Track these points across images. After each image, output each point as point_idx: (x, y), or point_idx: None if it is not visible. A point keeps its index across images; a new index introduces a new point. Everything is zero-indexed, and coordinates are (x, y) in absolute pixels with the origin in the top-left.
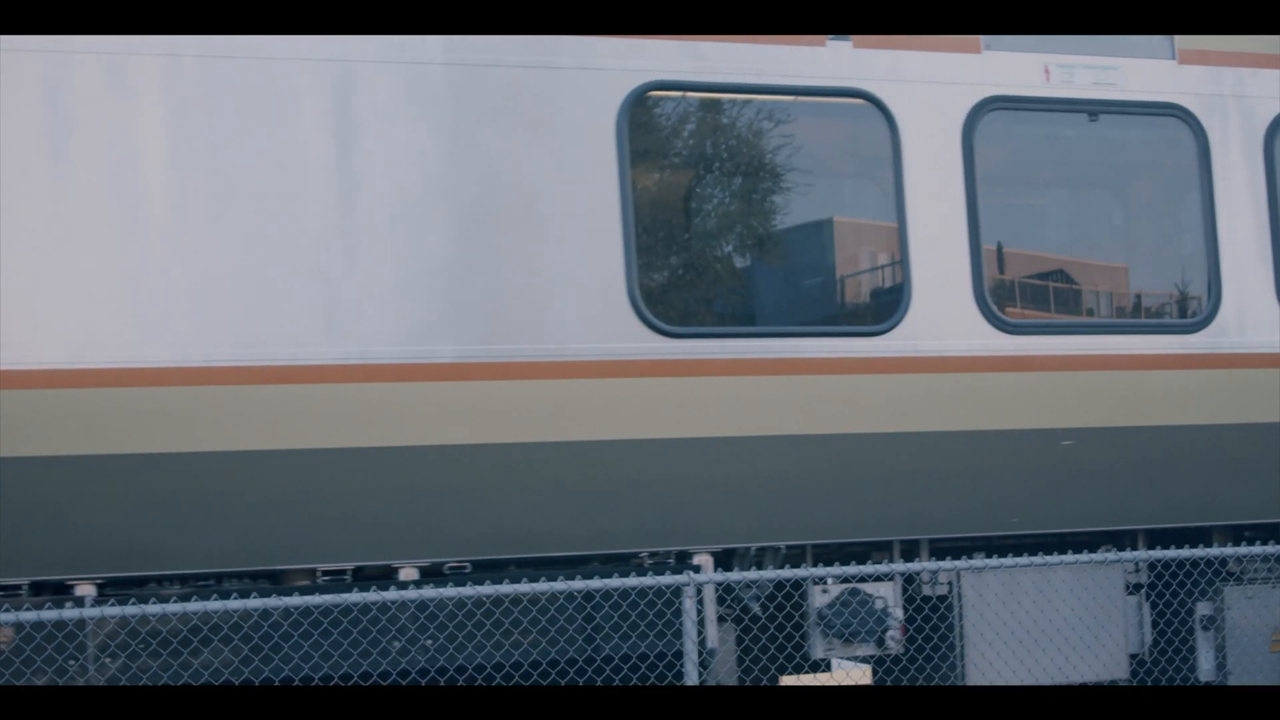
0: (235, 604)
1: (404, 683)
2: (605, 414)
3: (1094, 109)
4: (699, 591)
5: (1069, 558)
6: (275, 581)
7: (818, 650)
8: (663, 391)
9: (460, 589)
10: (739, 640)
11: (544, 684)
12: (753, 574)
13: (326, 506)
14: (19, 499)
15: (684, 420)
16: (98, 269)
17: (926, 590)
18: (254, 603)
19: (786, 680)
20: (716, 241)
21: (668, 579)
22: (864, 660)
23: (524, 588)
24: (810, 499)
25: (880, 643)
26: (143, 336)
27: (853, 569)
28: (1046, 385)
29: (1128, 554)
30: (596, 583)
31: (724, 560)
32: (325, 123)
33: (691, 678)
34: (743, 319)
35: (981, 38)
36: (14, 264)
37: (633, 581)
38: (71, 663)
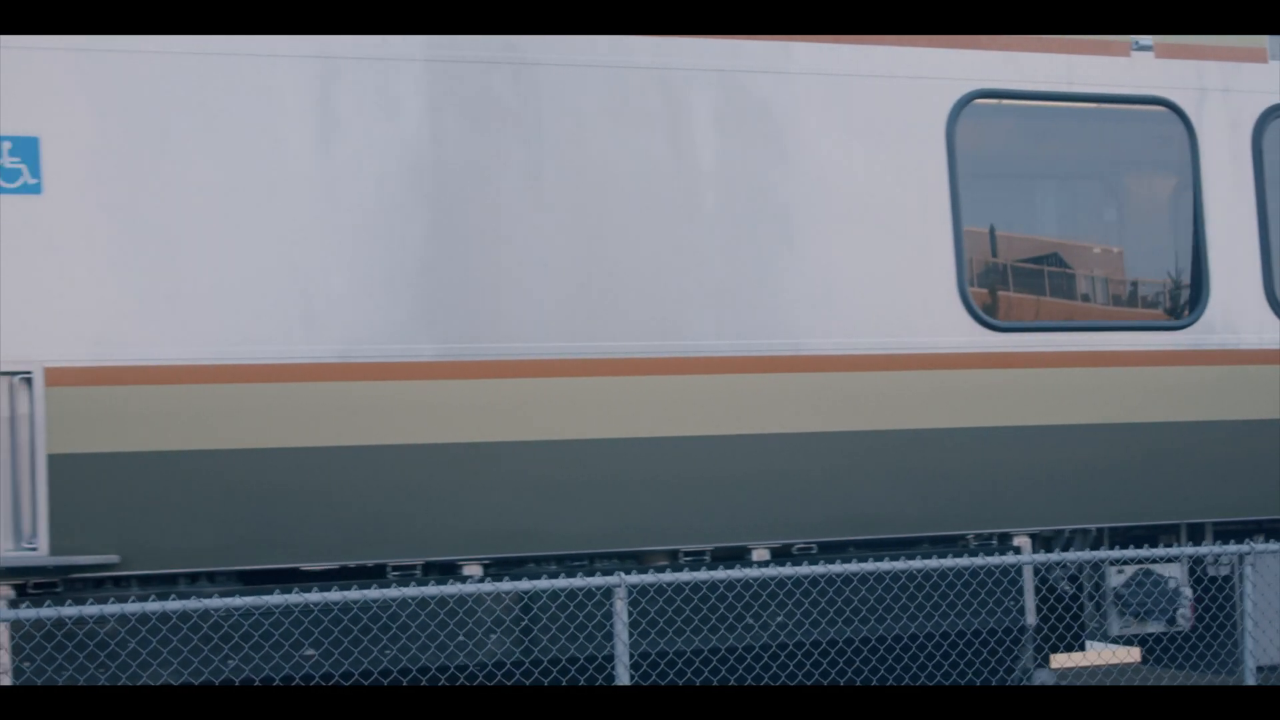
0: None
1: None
2: (935, 404)
3: None
4: (1025, 572)
5: None
6: (639, 562)
7: (1113, 628)
8: (988, 382)
9: (379, 591)
10: (1045, 619)
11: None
12: (668, 576)
13: (688, 491)
14: (421, 482)
15: (1006, 410)
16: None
17: (1210, 571)
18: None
19: (1056, 661)
20: (1036, 240)
21: (598, 580)
22: (1132, 640)
23: (451, 589)
24: (1112, 484)
25: (1171, 621)
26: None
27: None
28: None
29: None
30: (526, 584)
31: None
32: (664, 131)
33: (622, 680)
34: (1060, 314)
35: (1268, 47)
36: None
37: (563, 583)
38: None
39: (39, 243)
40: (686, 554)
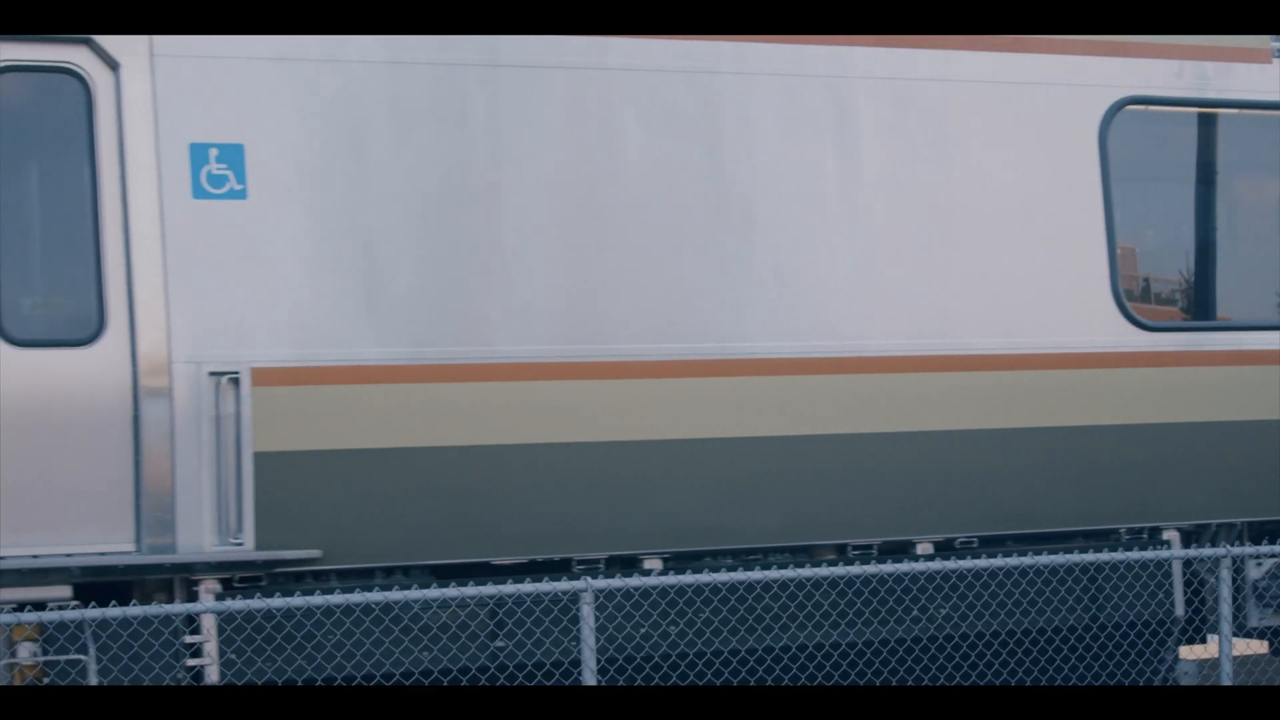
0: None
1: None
2: (1090, 402)
3: None
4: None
5: None
6: (810, 555)
7: (1252, 619)
8: (1139, 381)
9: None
10: (1195, 610)
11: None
12: (635, 581)
13: (856, 487)
14: (604, 479)
15: (1157, 407)
16: None
17: None
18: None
19: (1185, 653)
20: (1185, 243)
21: (564, 585)
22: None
23: (414, 594)
24: (1256, 479)
25: None
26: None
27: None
28: None
29: None
30: (490, 589)
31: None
32: (834, 137)
33: (588, 684)
34: (1207, 314)
35: None
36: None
37: (528, 588)
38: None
39: (245, 247)
40: (855, 548)
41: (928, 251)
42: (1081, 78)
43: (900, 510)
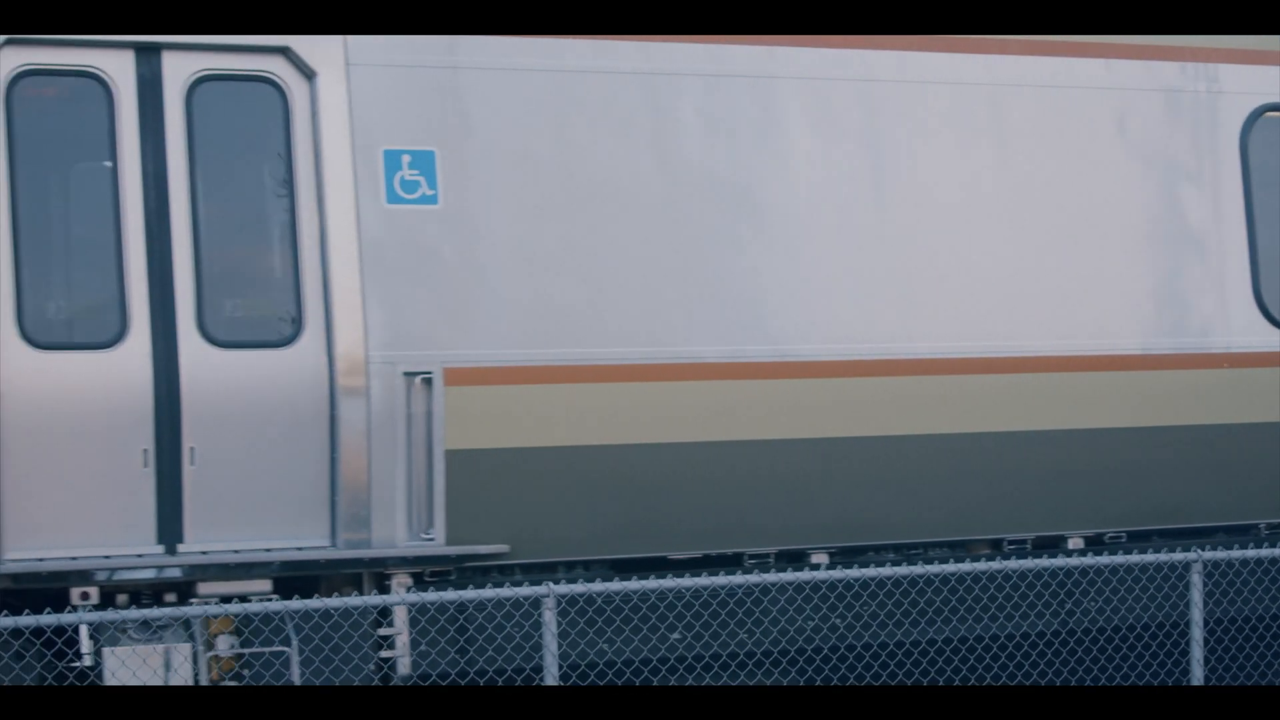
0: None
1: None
2: (1231, 400)
3: None
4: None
5: None
6: (966, 550)
7: None
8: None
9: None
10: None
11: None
12: (598, 586)
13: (1011, 483)
14: (775, 475)
15: None
16: None
17: None
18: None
19: None
20: None
21: (525, 590)
22: None
23: (376, 600)
24: None
25: None
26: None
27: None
28: None
29: None
30: (452, 594)
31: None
32: (990, 142)
33: None
34: None
35: None
36: None
37: (489, 593)
38: None
39: (436, 250)
40: (1010, 543)
41: (1079, 255)
42: (1222, 85)
43: (1052, 506)
